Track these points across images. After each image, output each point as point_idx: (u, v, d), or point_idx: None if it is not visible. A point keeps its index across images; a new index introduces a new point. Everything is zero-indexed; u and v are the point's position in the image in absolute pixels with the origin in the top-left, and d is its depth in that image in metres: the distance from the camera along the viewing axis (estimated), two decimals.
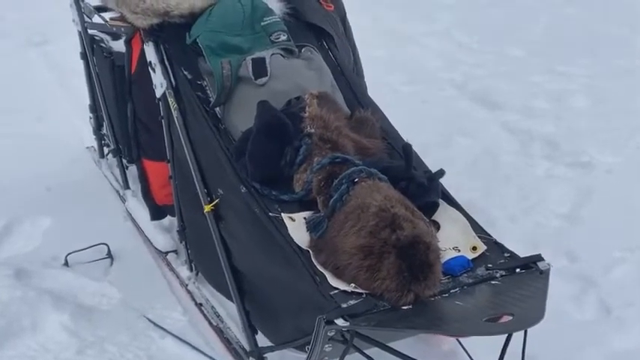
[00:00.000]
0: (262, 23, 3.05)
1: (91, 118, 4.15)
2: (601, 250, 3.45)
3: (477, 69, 5.70)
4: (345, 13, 3.50)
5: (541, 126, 4.67)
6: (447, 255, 2.36)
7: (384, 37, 6.19)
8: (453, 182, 3.81)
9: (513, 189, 3.97)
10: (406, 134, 4.35)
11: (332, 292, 2.24)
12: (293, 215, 2.53)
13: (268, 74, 2.87)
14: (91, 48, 3.81)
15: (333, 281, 2.28)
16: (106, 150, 4.15)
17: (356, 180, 2.42)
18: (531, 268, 2.32)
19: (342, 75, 3.09)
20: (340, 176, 2.44)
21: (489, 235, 2.45)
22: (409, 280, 2.17)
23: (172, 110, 2.97)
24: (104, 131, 4.00)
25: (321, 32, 3.20)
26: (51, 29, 5.87)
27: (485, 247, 2.39)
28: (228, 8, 3.00)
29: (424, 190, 2.47)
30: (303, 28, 3.19)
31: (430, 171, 2.62)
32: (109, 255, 3.50)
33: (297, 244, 2.41)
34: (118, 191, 3.96)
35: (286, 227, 2.48)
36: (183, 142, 2.93)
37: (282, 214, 2.52)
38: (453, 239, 2.42)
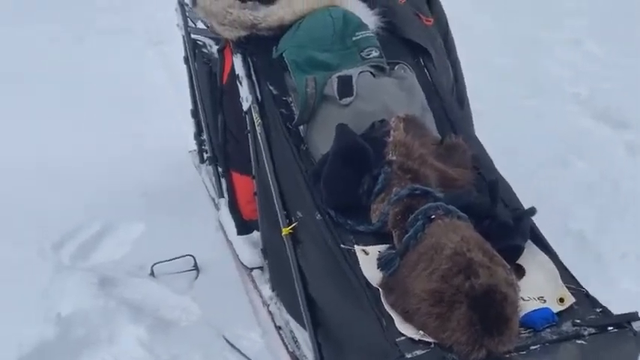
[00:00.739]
0: (354, 38, 2.89)
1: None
2: None
3: (605, 82, 5.32)
4: (448, 28, 3.31)
5: None
6: (530, 306, 2.14)
7: (507, 44, 5.92)
8: (561, 209, 3.62)
9: (631, 222, 3.64)
10: (516, 151, 4.18)
11: (398, 339, 2.08)
12: (367, 248, 2.37)
13: (354, 94, 2.71)
14: (193, 53, 3.75)
15: (401, 326, 2.11)
16: (205, 156, 4.07)
17: (432, 217, 2.23)
18: (624, 328, 2.05)
19: (437, 95, 2.90)
20: (416, 211, 2.25)
21: (581, 287, 2.21)
22: (481, 334, 1.98)
23: (256, 126, 2.85)
24: (204, 137, 3.92)
25: (418, 48, 3.01)
26: (169, 29, 5.85)
27: (573, 300, 2.17)
28: (317, 22, 2.86)
29: (508, 231, 2.26)
30: (398, 44, 3.02)
31: (521, 208, 2.40)
32: (196, 267, 3.41)
33: (366, 281, 2.25)
34: (213, 199, 3.87)
35: (358, 261, 2.29)
36: (265, 160, 2.79)
37: (356, 246, 2.37)
38: (538, 288, 2.21)
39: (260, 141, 2.86)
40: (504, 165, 3.53)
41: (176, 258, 3.39)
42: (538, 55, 5.88)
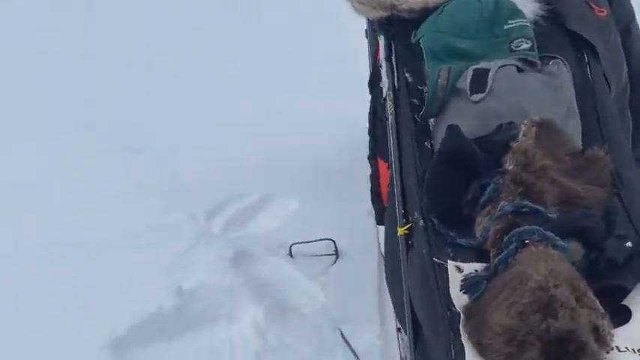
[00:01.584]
0: (505, 26, 2.61)
1: None
2: None
3: None
4: (632, 21, 2.89)
5: None
6: (622, 358, 1.81)
7: None
8: None
9: None
10: None
11: None
12: (463, 265, 2.15)
13: (486, 90, 2.43)
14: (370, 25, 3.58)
15: (470, 359, 1.86)
16: None
17: (527, 241, 1.95)
18: None
19: (593, 98, 2.54)
20: (511, 233, 1.99)
21: None
22: None
23: (389, 114, 2.67)
24: None
25: (583, 42, 2.67)
26: None
27: None
28: (462, 5, 2.62)
29: (615, 268, 1.94)
30: (559, 36, 2.70)
31: None
32: (335, 252, 3.30)
33: (450, 301, 2.02)
34: None
35: (448, 279, 2.07)
36: (391, 151, 2.61)
37: (450, 261, 2.16)
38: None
39: (390, 131, 2.66)
40: None
41: (315, 240, 3.28)
42: None
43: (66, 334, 2.84)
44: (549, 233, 1.97)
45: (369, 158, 3.26)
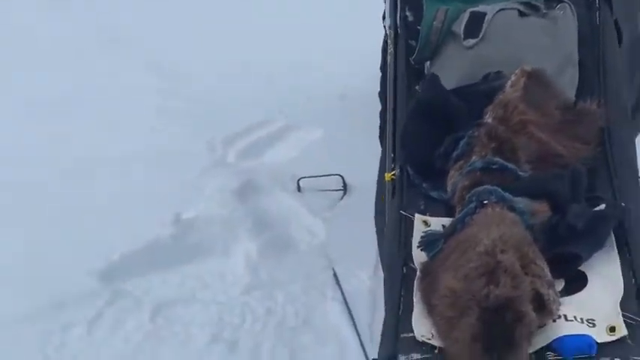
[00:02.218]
0: None
1: None
2: None
3: None
4: None
5: None
6: (571, 328, 1.77)
7: None
8: None
9: None
10: None
11: (403, 335, 1.84)
12: (430, 219, 2.12)
13: (480, 35, 2.35)
14: None
15: (417, 320, 1.86)
16: None
17: (485, 202, 1.89)
18: None
19: (598, 46, 2.42)
20: (472, 192, 1.94)
21: None
22: (481, 354, 1.67)
23: (388, 55, 2.60)
24: None
25: None
26: None
27: (625, 332, 1.75)
28: None
29: (573, 235, 1.87)
30: None
31: (618, 207, 1.97)
32: (344, 188, 3.26)
33: (409, 257, 1.99)
34: None
35: (412, 233, 2.04)
36: (388, 92, 2.55)
37: (417, 214, 2.11)
38: (593, 308, 1.82)
39: (388, 72, 2.59)
40: None
41: (324, 175, 3.25)
42: None
43: (59, 253, 2.88)
44: (507, 195, 1.90)
45: (379, 94, 3.18)
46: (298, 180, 3.29)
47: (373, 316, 2.69)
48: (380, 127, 3.08)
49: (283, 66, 4.07)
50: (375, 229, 2.58)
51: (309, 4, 4.61)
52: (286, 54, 4.18)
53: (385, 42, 2.92)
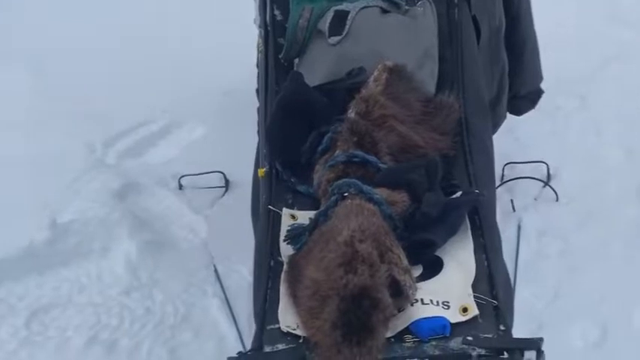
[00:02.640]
0: None
1: None
2: None
3: None
4: None
5: None
6: (427, 311, 1.86)
7: None
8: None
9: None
10: (631, 99, 3.64)
11: (269, 326, 1.89)
12: (298, 213, 2.18)
13: (344, 33, 2.42)
14: None
15: (283, 311, 1.92)
16: None
17: (345, 194, 1.97)
18: (515, 357, 1.74)
19: (457, 41, 2.52)
20: (333, 185, 2.01)
21: (493, 299, 1.88)
22: (341, 341, 1.73)
23: (258, 53, 2.65)
24: None
25: None
26: None
27: (477, 312, 1.85)
28: None
29: (428, 222, 1.95)
30: None
31: (472, 194, 2.07)
32: (225, 185, 3.30)
33: (276, 250, 2.05)
34: None
35: (280, 227, 2.10)
36: (260, 89, 2.61)
37: (285, 209, 2.17)
38: (447, 291, 1.91)
39: (259, 70, 2.64)
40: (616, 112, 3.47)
41: (205, 173, 3.28)
42: None
43: None
44: (366, 187, 1.98)
45: (257, 91, 3.23)
46: (179, 178, 3.30)
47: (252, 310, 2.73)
48: (258, 123, 3.13)
49: (165, 63, 4.05)
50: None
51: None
52: (168, 50, 4.17)
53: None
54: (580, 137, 3.55)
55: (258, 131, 3.05)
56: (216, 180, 3.35)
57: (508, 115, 3.02)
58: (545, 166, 3.27)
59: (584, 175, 3.27)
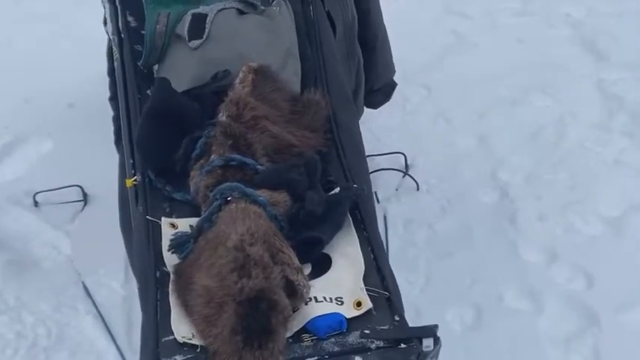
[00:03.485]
0: None
1: None
2: (627, 279, 2.75)
3: (606, 5, 4.69)
4: None
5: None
6: (322, 309, 1.87)
7: None
8: (497, 157, 3.29)
9: (564, 175, 3.28)
10: (475, 86, 3.81)
11: (164, 339, 1.85)
12: (177, 221, 2.14)
13: (204, 36, 2.39)
14: None
15: (176, 322, 1.88)
16: None
17: (229, 199, 1.94)
18: (412, 345, 1.77)
19: (315, 39, 2.54)
20: (214, 190, 1.97)
21: (386, 289, 1.92)
22: (241, 346, 1.72)
23: (114, 61, 2.57)
24: None
25: None
26: None
27: (370, 305, 1.88)
28: None
29: (313, 220, 1.96)
30: None
31: (351, 188, 2.09)
32: (84, 199, 3.19)
33: (161, 260, 1.98)
34: None
35: (161, 237, 2.04)
36: (119, 97, 2.53)
37: (163, 218, 2.11)
38: (339, 287, 1.93)
39: (117, 79, 2.57)
40: (462, 99, 3.61)
41: (62, 188, 3.17)
42: None
43: None
44: (249, 190, 1.97)
45: (110, 100, 3.15)
46: (34, 195, 3.18)
47: (129, 323, 2.69)
48: (114, 132, 3.06)
49: (6, 76, 3.87)
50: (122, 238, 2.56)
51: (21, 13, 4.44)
52: (7, 59, 4.04)
53: (110, 47, 2.90)
54: (431, 126, 3.67)
55: (116, 141, 2.99)
56: (74, 194, 3.23)
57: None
58: (402, 156, 3.34)
59: (439, 163, 3.39)
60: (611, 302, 2.72)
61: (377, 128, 3.50)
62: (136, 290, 2.56)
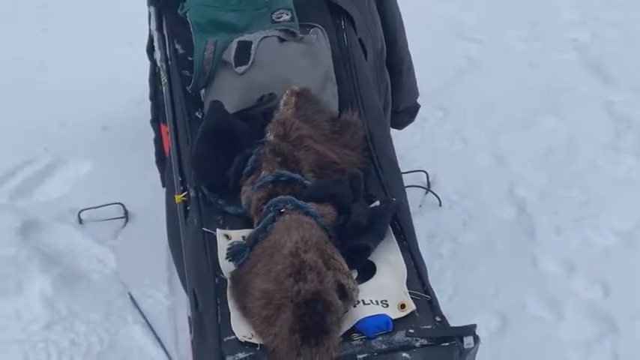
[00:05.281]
0: None
1: None
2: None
3: (612, 30, 4.92)
4: None
5: None
6: (369, 310, 2.05)
7: None
8: (514, 175, 3.48)
9: (577, 191, 3.47)
10: (489, 107, 4.02)
11: (226, 339, 2.01)
12: (231, 232, 2.30)
13: (250, 62, 2.58)
14: None
15: (236, 323, 2.05)
16: None
17: (282, 210, 2.13)
18: (454, 343, 1.95)
19: (350, 63, 2.73)
20: (269, 203, 2.16)
21: (426, 293, 2.10)
22: (299, 344, 1.90)
23: (162, 85, 2.76)
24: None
25: (339, 10, 2.85)
26: None
27: (414, 307, 2.06)
28: None
29: (360, 230, 2.15)
30: (319, 5, 2.87)
31: (391, 202, 2.28)
32: (125, 215, 3.37)
33: (218, 268, 2.17)
34: None
35: (217, 247, 2.23)
36: (167, 119, 2.72)
37: (218, 229, 2.29)
38: (384, 291, 2.11)
39: (165, 102, 2.76)
40: (477, 119, 3.82)
41: (104, 205, 3.34)
42: None
43: None
44: (301, 202, 2.15)
45: (151, 122, 3.34)
46: (79, 212, 3.35)
47: (175, 331, 2.85)
48: (156, 153, 3.26)
49: (37, 101, 4.10)
50: (170, 252, 2.73)
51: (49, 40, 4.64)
52: (39, 88, 4.21)
53: (153, 73, 3.10)
54: (449, 146, 3.86)
55: (157, 161, 3.19)
56: (115, 211, 3.40)
57: None
58: (424, 174, 3.53)
59: (459, 180, 3.57)
60: (627, 309, 2.90)
61: (399, 147, 3.60)
62: (181, 300, 2.77)
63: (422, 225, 3.32)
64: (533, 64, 4.51)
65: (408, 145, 3.77)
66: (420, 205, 3.42)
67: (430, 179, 3.54)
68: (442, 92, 4.22)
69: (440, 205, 3.44)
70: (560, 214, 3.36)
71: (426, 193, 3.48)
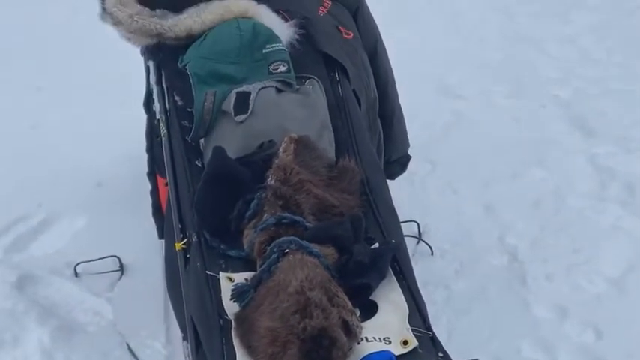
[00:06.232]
0: (264, 51, 2.82)
1: None
2: (632, 331, 3.00)
3: (592, 86, 5.08)
4: (377, 43, 3.21)
5: (629, 164, 4.10)
6: (372, 347, 2.09)
7: (503, 37, 5.80)
8: (504, 224, 3.55)
9: (566, 240, 3.55)
10: (477, 160, 4.11)
11: None
12: (233, 275, 2.34)
13: (249, 111, 2.65)
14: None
15: None
16: None
17: (286, 250, 2.18)
18: None
19: (345, 114, 2.81)
20: (272, 244, 2.22)
21: (427, 330, 2.14)
22: None
23: (162, 136, 2.83)
24: None
25: (334, 62, 2.93)
26: None
27: (416, 343, 2.10)
28: (222, 34, 2.81)
29: (362, 269, 2.21)
30: (313, 57, 2.95)
31: (390, 243, 2.34)
32: (121, 268, 3.40)
33: (222, 310, 2.21)
34: None
35: (220, 289, 2.27)
36: (167, 169, 2.77)
37: (221, 272, 2.34)
38: (386, 328, 2.16)
39: (164, 153, 2.82)
40: (465, 172, 3.88)
41: (100, 258, 3.38)
42: (532, 51, 5.67)
43: None
44: (305, 242, 2.21)
45: (148, 175, 3.40)
46: (75, 265, 3.38)
47: None
48: (152, 205, 3.31)
49: (30, 158, 4.16)
50: (168, 302, 2.76)
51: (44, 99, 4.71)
52: (30, 144, 4.29)
53: (150, 126, 3.17)
54: (439, 197, 3.93)
55: (154, 213, 3.25)
56: (110, 264, 3.43)
57: None
58: (416, 224, 3.60)
59: (451, 230, 3.64)
60: (620, 352, 2.95)
61: None
62: (178, 349, 2.80)
63: (415, 273, 3.35)
64: (517, 119, 4.59)
65: (398, 196, 3.78)
66: (413, 254, 3.45)
67: (421, 229, 3.60)
68: (430, 146, 4.30)
69: (432, 253, 3.50)
70: (550, 261, 3.42)
71: (418, 242, 3.54)
